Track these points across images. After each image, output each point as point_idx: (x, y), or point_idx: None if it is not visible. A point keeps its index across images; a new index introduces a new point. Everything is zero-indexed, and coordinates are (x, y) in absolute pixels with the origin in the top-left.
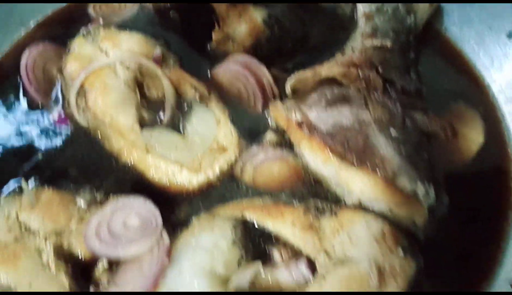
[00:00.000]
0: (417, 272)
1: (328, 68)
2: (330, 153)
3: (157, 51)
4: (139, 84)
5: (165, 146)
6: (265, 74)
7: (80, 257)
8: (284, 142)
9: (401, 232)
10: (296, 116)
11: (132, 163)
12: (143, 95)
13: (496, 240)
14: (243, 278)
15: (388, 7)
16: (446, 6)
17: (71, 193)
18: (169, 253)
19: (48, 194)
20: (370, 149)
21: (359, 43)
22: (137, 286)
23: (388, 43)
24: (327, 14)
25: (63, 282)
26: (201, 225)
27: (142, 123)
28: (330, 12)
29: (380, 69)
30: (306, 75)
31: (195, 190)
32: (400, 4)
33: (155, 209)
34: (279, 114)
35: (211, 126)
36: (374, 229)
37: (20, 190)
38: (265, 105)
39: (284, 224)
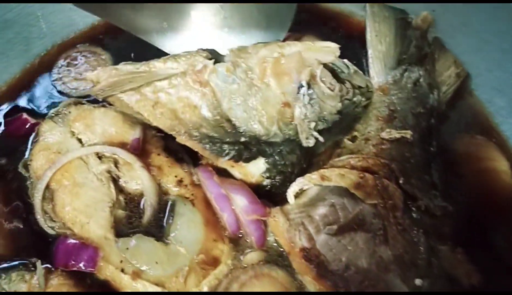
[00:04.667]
0: None
1: (339, 175)
2: None
3: (136, 133)
4: (114, 177)
5: (143, 259)
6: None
7: None
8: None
9: None
10: (301, 239)
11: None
12: (119, 189)
13: None
14: None
15: (408, 79)
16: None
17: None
18: None
19: (58, 281)
20: None
21: (373, 132)
22: None
23: (408, 134)
24: None
25: None
26: None
27: (119, 227)
28: None
29: (400, 180)
30: (312, 180)
31: None
32: (421, 78)
33: None
34: (280, 232)
35: (197, 230)
36: None
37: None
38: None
39: None
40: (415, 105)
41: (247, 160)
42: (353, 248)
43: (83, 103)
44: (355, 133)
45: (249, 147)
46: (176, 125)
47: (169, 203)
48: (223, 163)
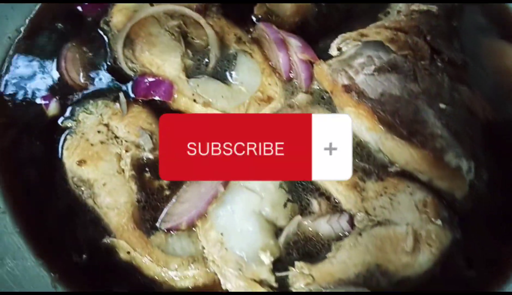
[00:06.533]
0: (453, 243)
1: (376, 32)
2: (378, 121)
3: None
4: (183, 33)
5: (211, 94)
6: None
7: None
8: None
9: (442, 204)
10: (342, 79)
11: (181, 110)
12: (187, 44)
13: None
14: (289, 230)
15: None
16: None
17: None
18: (227, 183)
19: (137, 108)
20: (420, 122)
21: (405, 6)
22: (192, 204)
23: (434, 8)
24: None
25: (132, 188)
26: None
27: (188, 72)
28: None
29: (427, 37)
30: (352, 36)
31: None
32: None
33: None
34: (324, 75)
35: (255, 75)
36: (417, 197)
37: (115, 99)
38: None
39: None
40: None
41: None
42: (388, 83)
43: None
44: (388, 9)
45: None
46: None
47: (232, 53)
48: None
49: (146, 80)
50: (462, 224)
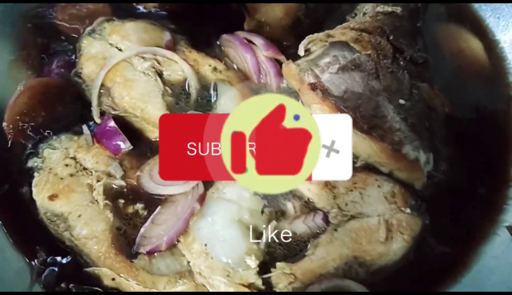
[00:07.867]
0: (423, 229)
1: (341, 33)
2: None
3: (167, 36)
4: (159, 72)
5: None
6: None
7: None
8: None
9: (409, 192)
10: (309, 78)
11: None
12: (164, 82)
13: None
14: (267, 236)
15: None
16: None
17: None
18: (202, 200)
19: None
20: (380, 117)
21: (370, 9)
22: (170, 225)
23: (398, 10)
24: None
25: (108, 216)
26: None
27: (171, 109)
28: None
29: (390, 37)
30: (319, 37)
31: None
32: None
33: None
34: (292, 75)
35: (236, 102)
36: (385, 189)
37: (79, 132)
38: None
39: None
40: None
41: None
42: (351, 81)
43: (114, 20)
44: (355, 11)
45: None
46: None
47: (213, 85)
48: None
49: (109, 125)
50: (429, 210)
